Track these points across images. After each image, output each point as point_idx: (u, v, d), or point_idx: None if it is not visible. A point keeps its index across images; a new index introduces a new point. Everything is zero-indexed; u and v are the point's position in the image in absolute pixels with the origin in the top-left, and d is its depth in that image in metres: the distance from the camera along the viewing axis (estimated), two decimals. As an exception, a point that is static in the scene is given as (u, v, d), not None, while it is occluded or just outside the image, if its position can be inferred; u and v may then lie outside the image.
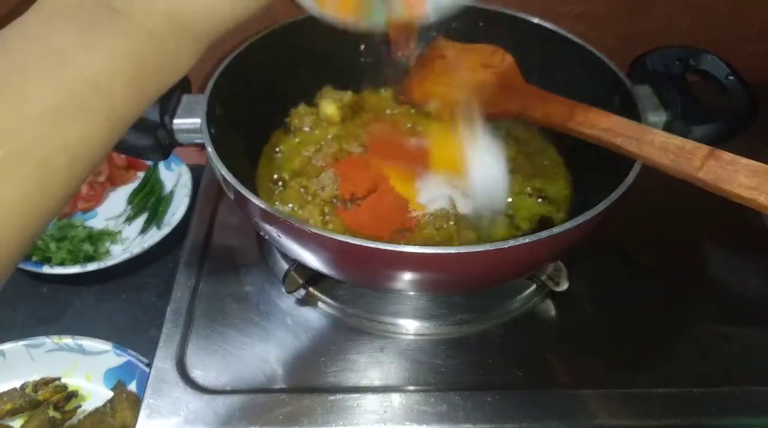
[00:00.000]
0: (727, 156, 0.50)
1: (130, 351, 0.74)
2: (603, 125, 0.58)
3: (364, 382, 0.59)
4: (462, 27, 0.79)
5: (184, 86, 0.64)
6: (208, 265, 0.69)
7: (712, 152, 0.50)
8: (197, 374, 0.59)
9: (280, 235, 0.53)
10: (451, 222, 0.62)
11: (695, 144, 0.52)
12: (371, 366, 0.60)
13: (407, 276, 0.54)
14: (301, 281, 0.65)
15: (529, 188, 0.70)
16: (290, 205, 0.67)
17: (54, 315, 0.82)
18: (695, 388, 0.58)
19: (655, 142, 0.53)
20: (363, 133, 0.74)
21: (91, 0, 0.33)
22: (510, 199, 0.68)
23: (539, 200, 0.68)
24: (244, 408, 0.56)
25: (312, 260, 0.55)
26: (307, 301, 0.66)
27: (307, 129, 0.76)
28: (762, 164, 0.48)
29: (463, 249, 0.50)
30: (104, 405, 0.72)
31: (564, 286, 0.63)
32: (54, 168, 0.30)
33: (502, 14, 0.75)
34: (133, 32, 0.33)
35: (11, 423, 0.71)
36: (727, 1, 0.88)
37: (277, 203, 0.68)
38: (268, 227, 0.54)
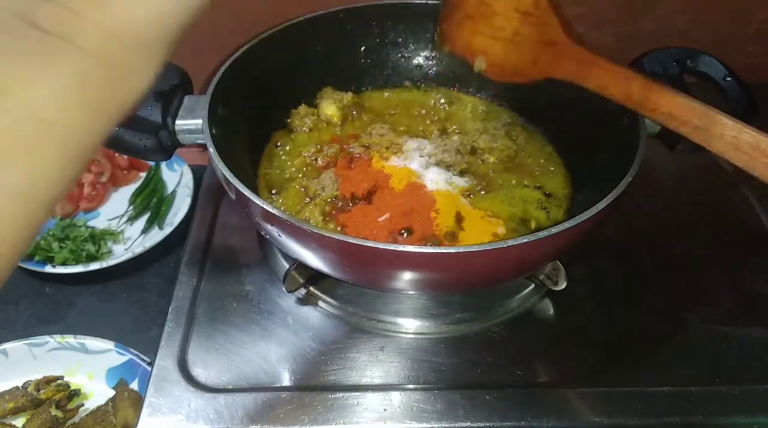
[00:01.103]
0: None
1: (131, 350, 0.75)
2: (665, 109, 0.52)
3: (364, 381, 0.59)
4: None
5: (185, 87, 0.65)
6: (210, 265, 0.70)
7: None
8: (199, 372, 0.59)
9: (281, 235, 0.54)
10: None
11: None
12: (371, 365, 0.60)
13: (407, 275, 0.54)
14: (301, 280, 0.65)
15: (527, 177, 0.71)
16: (291, 205, 0.68)
17: (56, 314, 0.82)
18: (694, 387, 0.58)
19: (725, 137, 0.48)
20: (363, 134, 0.75)
21: (15, 25, 0.29)
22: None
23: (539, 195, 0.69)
24: (245, 407, 0.56)
25: (312, 260, 0.56)
26: (307, 300, 0.66)
27: (307, 129, 0.76)
28: None
29: (462, 249, 0.50)
30: (106, 404, 0.72)
31: (562, 286, 0.63)
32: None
33: (502, 15, 0.75)
34: (71, 54, 0.30)
35: (14, 422, 0.71)
36: (726, 2, 0.89)
37: (278, 203, 0.68)
38: (268, 227, 0.54)
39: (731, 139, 0.47)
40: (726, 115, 0.49)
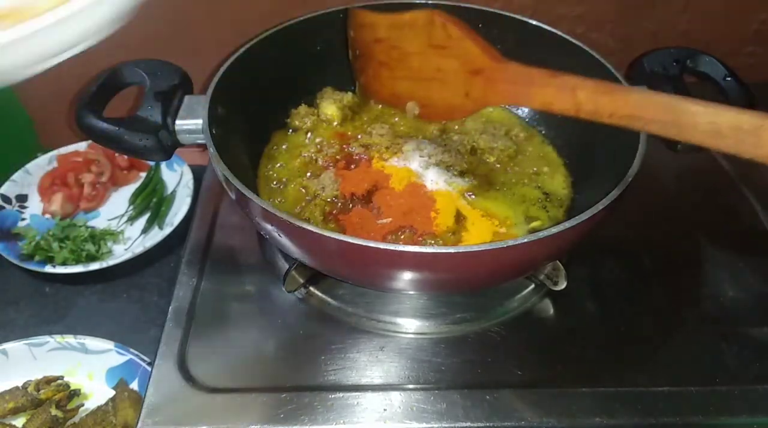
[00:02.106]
0: None
1: (131, 350, 0.75)
2: (624, 111, 0.46)
3: (364, 381, 0.59)
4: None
5: (185, 87, 0.65)
6: (210, 265, 0.70)
7: None
8: (199, 372, 0.59)
9: (281, 235, 0.54)
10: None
11: (753, 119, 0.40)
12: (371, 365, 0.60)
13: (407, 275, 0.54)
14: (301, 280, 0.65)
15: (527, 177, 0.71)
16: (291, 205, 0.68)
17: (56, 314, 0.82)
18: (693, 387, 0.58)
19: (700, 125, 0.42)
20: (363, 134, 0.75)
21: None
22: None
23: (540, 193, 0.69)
24: (245, 407, 0.56)
25: (312, 260, 0.56)
26: (307, 300, 0.66)
27: (307, 129, 0.76)
28: None
29: (462, 249, 0.50)
30: (106, 404, 0.72)
31: (562, 286, 0.63)
32: None
33: (501, 16, 0.75)
34: None
35: (14, 422, 0.71)
36: (725, 2, 0.89)
37: (278, 200, 0.68)
38: (268, 227, 0.54)
39: (708, 125, 0.42)
40: (695, 101, 0.43)
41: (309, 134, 0.76)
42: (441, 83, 0.57)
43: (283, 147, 0.75)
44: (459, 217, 0.65)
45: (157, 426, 0.55)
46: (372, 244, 0.48)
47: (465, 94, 0.56)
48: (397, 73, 0.60)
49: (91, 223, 0.93)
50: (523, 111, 0.80)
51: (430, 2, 0.77)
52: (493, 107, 0.81)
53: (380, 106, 0.69)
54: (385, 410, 0.56)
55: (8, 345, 0.74)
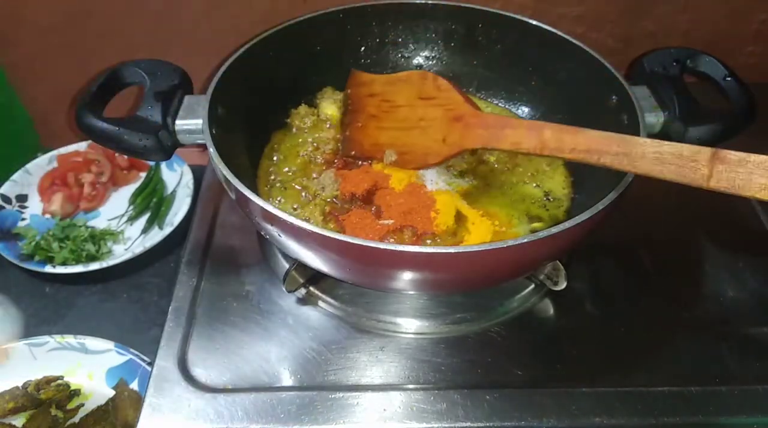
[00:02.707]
0: (733, 155, 0.44)
1: (132, 349, 0.75)
2: (582, 146, 0.52)
3: (364, 381, 0.59)
4: (461, 29, 0.79)
5: (185, 87, 0.65)
6: (210, 265, 0.70)
7: (715, 155, 0.44)
8: (199, 372, 0.59)
9: (281, 235, 0.54)
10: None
11: (693, 148, 0.46)
12: (371, 365, 0.60)
13: (407, 275, 0.54)
14: (301, 280, 0.66)
15: (527, 177, 0.71)
16: (291, 205, 0.68)
17: (56, 314, 0.82)
18: (693, 387, 0.58)
19: (647, 155, 0.48)
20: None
21: None
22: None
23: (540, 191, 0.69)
24: (245, 407, 0.56)
25: (312, 260, 0.56)
26: (307, 300, 0.66)
27: (307, 129, 0.76)
28: None
29: (462, 249, 0.50)
30: (106, 404, 0.72)
31: (562, 285, 0.63)
32: None
33: (501, 16, 0.75)
34: None
35: (13, 422, 0.71)
36: (725, 2, 0.89)
37: (278, 200, 0.68)
38: (268, 227, 0.54)
39: (654, 154, 0.47)
40: (640, 137, 0.50)
41: (309, 134, 0.76)
42: (422, 131, 0.65)
43: (283, 147, 0.75)
44: (459, 217, 0.65)
45: (157, 426, 0.55)
46: (372, 244, 0.48)
47: (443, 139, 0.63)
48: (383, 124, 0.68)
49: (91, 223, 0.93)
50: (523, 110, 0.80)
51: (430, 2, 0.77)
52: (493, 108, 0.81)
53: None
54: (385, 410, 0.56)
55: (8, 345, 0.74)
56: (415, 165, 0.67)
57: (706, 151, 0.45)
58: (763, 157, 0.42)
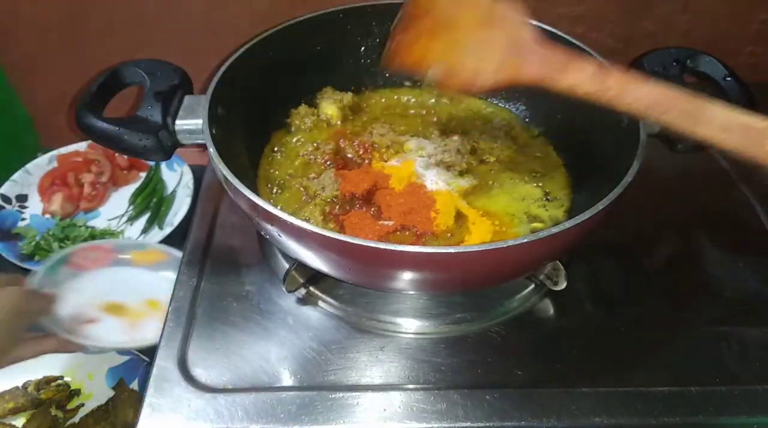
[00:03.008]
0: None
1: (132, 350, 0.75)
2: (647, 99, 0.49)
3: (364, 381, 0.59)
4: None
5: (185, 87, 0.65)
6: (210, 265, 0.70)
7: None
8: (199, 372, 0.59)
9: (281, 235, 0.54)
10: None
11: (765, 120, 0.44)
12: (371, 365, 0.60)
13: (407, 275, 0.54)
14: (301, 280, 0.65)
15: (527, 177, 0.71)
16: (291, 205, 0.68)
17: (56, 314, 0.82)
18: (693, 387, 0.58)
19: (714, 120, 0.46)
20: (363, 133, 0.75)
21: None
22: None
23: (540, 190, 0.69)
24: (245, 407, 0.56)
25: (312, 260, 0.56)
26: (307, 300, 0.66)
27: (307, 129, 0.76)
28: None
29: (462, 249, 0.50)
30: (106, 404, 0.72)
31: (562, 285, 0.63)
32: None
33: (502, 15, 0.75)
34: None
35: (14, 422, 0.71)
36: (725, 2, 0.89)
37: (278, 203, 0.68)
38: (269, 227, 0.54)
39: (722, 121, 0.45)
40: (713, 100, 0.47)
41: (309, 134, 0.76)
42: (477, 52, 0.59)
43: (283, 147, 0.75)
44: (459, 217, 0.65)
45: (157, 426, 0.55)
46: (372, 244, 0.48)
47: (498, 65, 0.58)
48: (436, 39, 0.61)
49: (91, 223, 0.93)
50: (523, 111, 0.80)
51: (430, 2, 0.77)
52: (493, 108, 0.81)
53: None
54: (385, 410, 0.56)
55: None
56: (460, 85, 0.61)
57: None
58: None
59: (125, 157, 1.00)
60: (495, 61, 0.58)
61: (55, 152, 1.00)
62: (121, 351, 0.74)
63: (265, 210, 0.51)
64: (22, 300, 0.62)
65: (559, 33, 0.71)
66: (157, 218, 0.93)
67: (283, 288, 0.65)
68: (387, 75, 0.83)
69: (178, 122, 0.62)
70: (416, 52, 0.63)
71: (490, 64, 0.59)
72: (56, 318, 0.68)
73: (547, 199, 0.69)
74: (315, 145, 0.74)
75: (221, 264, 0.70)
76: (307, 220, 0.63)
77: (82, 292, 0.73)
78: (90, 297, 0.73)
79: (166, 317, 0.64)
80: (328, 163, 0.72)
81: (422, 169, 0.70)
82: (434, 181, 0.68)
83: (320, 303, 0.66)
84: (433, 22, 0.62)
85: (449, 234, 0.63)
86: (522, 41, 0.57)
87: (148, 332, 0.70)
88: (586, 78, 0.52)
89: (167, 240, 0.87)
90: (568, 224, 0.49)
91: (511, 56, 0.58)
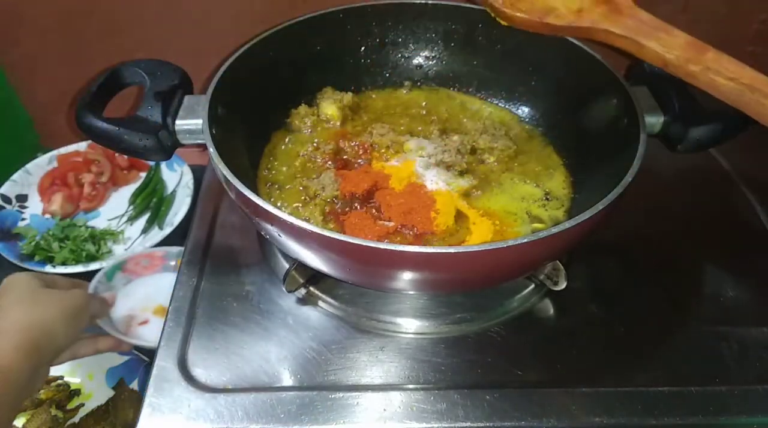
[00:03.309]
0: None
1: (131, 350, 0.75)
2: (746, 80, 0.46)
3: (364, 381, 0.59)
4: (461, 29, 0.79)
5: (185, 87, 0.65)
6: (210, 265, 0.70)
7: None
8: (199, 372, 0.59)
9: (281, 235, 0.54)
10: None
11: None
12: (371, 365, 0.60)
13: (407, 275, 0.54)
14: (301, 280, 0.65)
15: (527, 177, 0.71)
16: (291, 205, 0.68)
17: (56, 314, 0.82)
18: (693, 387, 0.58)
19: None
20: (364, 133, 0.75)
21: None
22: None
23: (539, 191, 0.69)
24: (245, 407, 0.56)
25: (312, 260, 0.56)
26: (307, 300, 0.66)
27: (307, 129, 0.76)
28: None
29: (462, 249, 0.50)
30: (106, 404, 0.72)
31: (562, 286, 0.63)
32: None
33: (502, 15, 0.75)
34: None
35: (14, 422, 0.71)
36: (725, 2, 0.89)
37: (278, 203, 0.68)
38: (269, 227, 0.54)
39: None
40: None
41: (309, 134, 0.76)
42: None
43: (283, 147, 0.75)
44: (459, 217, 0.65)
45: (157, 426, 0.55)
46: (372, 244, 0.48)
47: (578, 8, 0.54)
48: None
49: (91, 223, 0.93)
50: (523, 111, 0.80)
51: (430, 2, 0.77)
52: (493, 108, 0.81)
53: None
54: (385, 410, 0.56)
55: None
56: (528, 17, 0.55)
57: None
58: None
59: (125, 157, 1.01)
60: (573, 5, 0.54)
61: (55, 152, 1.00)
62: (121, 351, 0.74)
63: (265, 210, 0.51)
64: (84, 303, 0.67)
65: (560, 33, 0.71)
66: (157, 218, 0.93)
67: (283, 288, 0.65)
68: (387, 75, 0.83)
69: (178, 122, 0.62)
70: None
71: (565, 7, 0.54)
72: (112, 319, 0.76)
73: (547, 199, 0.69)
74: (315, 145, 0.74)
75: (221, 264, 0.70)
76: (307, 220, 0.63)
77: (135, 296, 0.81)
78: (141, 300, 0.80)
79: (166, 317, 0.64)
80: (328, 163, 0.72)
81: (422, 169, 0.70)
82: (434, 181, 0.68)
83: (320, 303, 0.66)
84: None
85: (449, 235, 0.63)
86: None
87: None
88: (678, 45, 0.50)
89: (167, 241, 0.88)
90: (568, 224, 0.49)
91: (594, 6, 0.54)
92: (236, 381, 0.58)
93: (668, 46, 0.51)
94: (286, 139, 0.76)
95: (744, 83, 0.47)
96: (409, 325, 0.64)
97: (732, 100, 0.48)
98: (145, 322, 0.77)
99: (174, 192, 0.97)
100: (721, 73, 0.48)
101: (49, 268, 0.83)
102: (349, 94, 0.79)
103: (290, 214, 0.52)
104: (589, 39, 0.54)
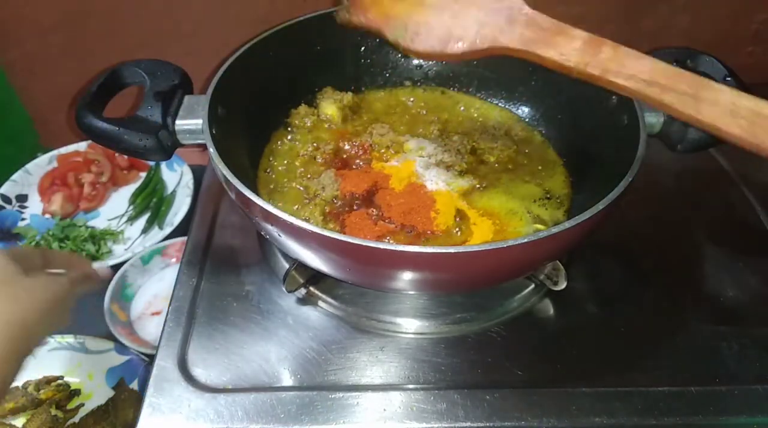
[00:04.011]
0: None
1: (131, 349, 0.75)
2: (645, 76, 0.44)
3: (364, 381, 0.59)
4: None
5: (185, 87, 0.65)
6: (210, 265, 0.70)
7: None
8: (199, 372, 0.59)
9: (281, 235, 0.54)
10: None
11: None
12: (371, 365, 0.60)
13: (407, 275, 0.54)
14: (301, 280, 0.65)
15: (527, 177, 0.71)
16: (291, 205, 0.68)
17: (56, 314, 0.82)
18: (693, 387, 0.58)
19: (720, 102, 0.41)
20: (363, 133, 0.75)
21: None
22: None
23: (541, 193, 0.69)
24: (245, 407, 0.56)
25: (312, 260, 0.56)
26: (307, 300, 0.66)
27: (307, 129, 0.76)
28: None
29: (462, 249, 0.50)
30: (106, 404, 0.72)
31: (562, 286, 0.63)
32: None
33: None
34: None
35: (14, 422, 0.71)
36: (725, 2, 0.89)
37: (278, 203, 0.68)
38: (269, 227, 0.54)
39: (728, 104, 0.41)
40: (716, 82, 0.43)
41: (309, 134, 0.76)
42: (453, 13, 0.52)
43: (284, 147, 0.75)
44: (459, 217, 0.65)
45: (157, 426, 0.55)
46: (372, 244, 0.48)
47: (477, 29, 0.51)
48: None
49: (91, 223, 0.93)
50: (523, 111, 0.80)
51: (430, 2, 0.77)
52: (492, 108, 0.81)
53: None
54: (385, 410, 0.56)
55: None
56: (427, 47, 0.53)
57: None
58: None
59: (125, 157, 1.00)
60: (471, 27, 0.51)
61: (55, 152, 1.00)
62: (121, 351, 0.74)
63: (265, 210, 0.51)
64: (68, 292, 0.54)
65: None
66: (157, 218, 0.93)
67: (283, 288, 0.65)
68: (387, 75, 0.83)
69: (178, 122, 0.62)
70: (378, 8, 0.55)
71: (465, 31, 0.51)
72: (129, 303, 0.79)
73: (547, 199, 0.69)
74: (315, 145, 0.74)
75: (221, 264, 0.70)
76: (307, 220, 0.63)
77: (165, 282, 0.84)
78: (167, 288, 0.80)
79: (166, 317, 0.64)
80: (328, 163, 0.72)
81: (422, 169, 0.70)
82: (434, 181, 0.68)
83: (320, 303, 0.66)
84: None
85: (449, 235, 0.63)
86: (506, 4, 0.51)
87: None
88: (575, 49, 0.47)
89: (167, 240, 0.88)
90: (568, 224, 0.49)
91: (491, 23, 0.50)
92: (236, 381, 0.58)
93: (566, 53, 0.48)
94: (286, 139, 0.76)
95: (643, 79, 0.44)
96: (409, 325, 0.64)
97: (637, 97, 0.46)
98: (157, 313, 0.78)
99: (174, 192, 0.97)
100: (620, 74, 0.45)
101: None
102: (349, 94, 0.79)
103: (290, 214, 0.52)
104: (504, 56, 0.51)
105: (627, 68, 0.45)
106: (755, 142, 0.40)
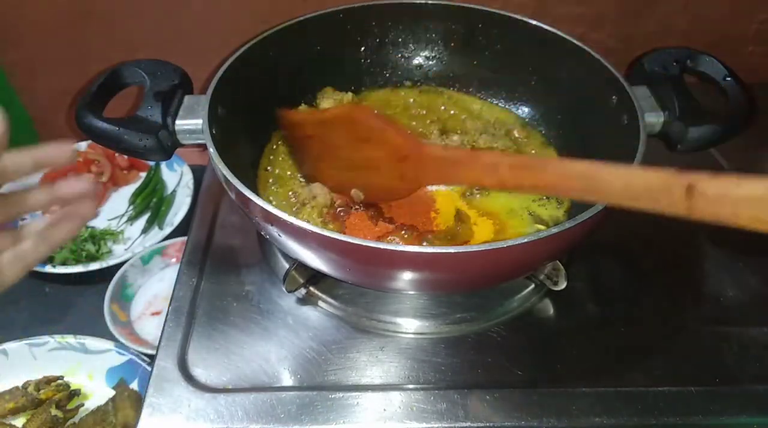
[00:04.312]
0: (712, 189, 0.37)
1: (132, 349, 0.75)
2: (543, 183, 0.47)
3: (364, 381, 0.59)
4: (461, 28, 0.79)
5: (185, 87, 0.65)
6: (210, 265, 0.70)
7: (691, 189, 0.37)
8: (199, 372, 0.59)
9: (281, 235, 0.54)
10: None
11: (663, 178, 0.39)
12: (371, 365, 0.60)
13: (407, 275, 0.54)
14: (301, 280, 0.65)
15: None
16: (291, 205, 0.68)
17: (56, 314, 0.82)
18: (693, 387, 0.58)
19: (615, 188, 0.43)
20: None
21: None
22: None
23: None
24: (245, 407, 0.56)
25: (312, 260, 0.56)
26: (307, 300, 0.66)
27: (307, 129, 0.76)
28: (756, 184, 0.36)
29: (462, 249, 0.50)
30: (106, 404, 0.72)
31: (562, 285, 0.63)
32: None
33: (501, 16, 0.75)
34: None
35: (14, 422, 0.71)
36: (725, 2, 0.89)
37: (275, 198, 0.68)
38: (269, 227, 0.54)
39: (622, 187, 0.42)
40: (609, 166, 0.44)
41: (309, 134, 0.76)
42: (376, 171, 0.59)
43: (284, 147, 0.75)
44: (459, 217, 0.65)
45: (157, 426, 0.55)
46: (372, 244, 0.48)
47: (400, 177, 0.57)
48: (333, 164, 0.63)
49: (91, 223, 0.93)
50: (523, 111, 0.80)
51: (430, 2, 0.78)
52: (493, 108, 0.81)
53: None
54: (385, 410, 0.56)
55: (8, 345, 0.74)
56: (385, 200, 0.64)
57: (678, 185, 0.37)
58: (746, 188, 0.36)
59: (125, 157, 1.00)
60: (396, 177, 0.57)
61: (55, 152, 1.00)
62: (121, 351, 0.74)
63: (265, 210, 0.51)
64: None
65: (559, 33, 0.71)
66: (157, 218, 0.93)
67: (283, 288, 0.65)
68: (387, 75, 0.83)
69: (178, 122, 0.62)
70: (327, 180, 0.65)
71: (394, 181, 0.58)
72: (129, 303, 0.79)
73: (547, 199, 0.69)
74: (315, 145, 0.74)
75: (221, 264, 0.70)
76: (307, 221, 0.63)
77: (165, 282, 0.84)
78: (168, 289, 0.79)
79: (166, 317, 0.63)
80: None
81: (422, 169, 0.69)
82: (434, 181, 0.68)
83: (320, 303, 0.66)
84: (318, 150, 0.62)
85: (449, 234, 0.63)
86: (405, 154, 0.55)
87: None
88: (479, 174, 0.51)
89: (166, 241, 0.88)
90: (568, 224, 0.49)
91: (406, 169, 0.56)
92: (236, 381, 0.58)
93: (467, 178, 0.53)
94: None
95: (545, 187, 0.47)
96: (409, 325, 0.64)
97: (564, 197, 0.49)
98: (157, 313, 0.78)
99: (174, 192, 0.97)
100: (523, 186, 0.49)
101: (49, 268, 0.83)
102: (349, 94, 0.79)
103: (290, 214, 0.52)
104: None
105: (527, 180, 0.47)
106: (667, 212, 0.39)
